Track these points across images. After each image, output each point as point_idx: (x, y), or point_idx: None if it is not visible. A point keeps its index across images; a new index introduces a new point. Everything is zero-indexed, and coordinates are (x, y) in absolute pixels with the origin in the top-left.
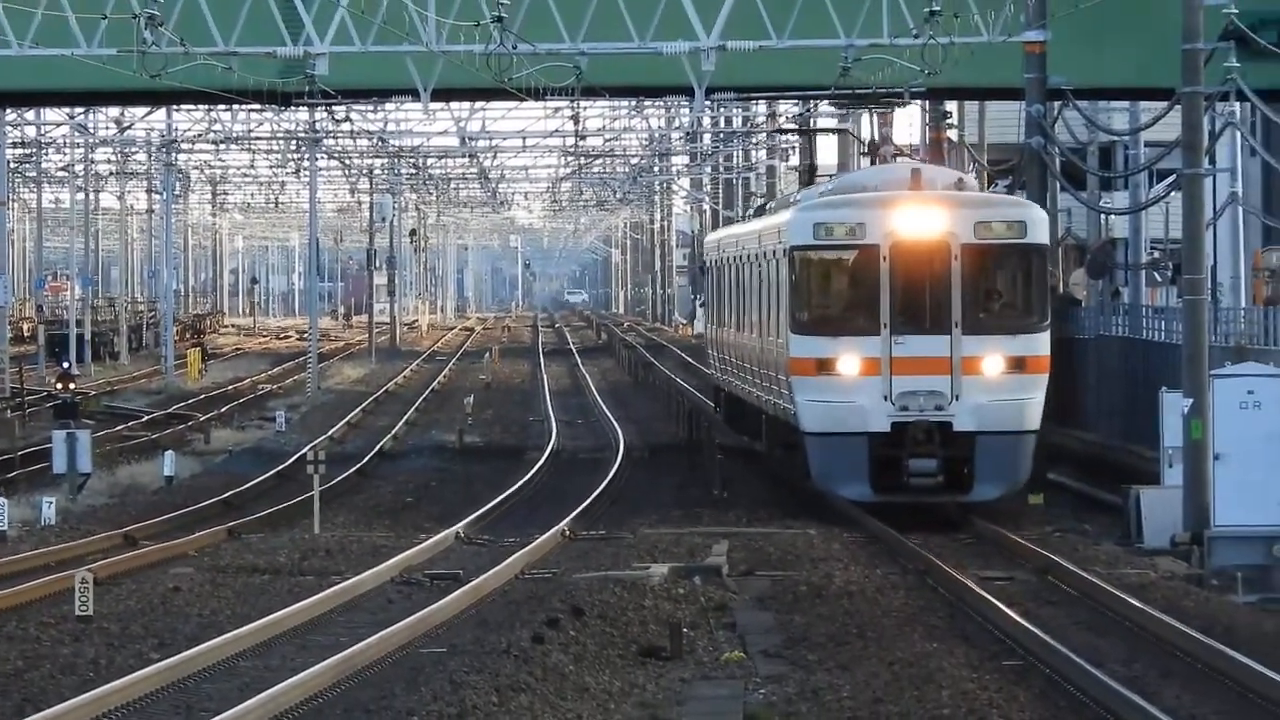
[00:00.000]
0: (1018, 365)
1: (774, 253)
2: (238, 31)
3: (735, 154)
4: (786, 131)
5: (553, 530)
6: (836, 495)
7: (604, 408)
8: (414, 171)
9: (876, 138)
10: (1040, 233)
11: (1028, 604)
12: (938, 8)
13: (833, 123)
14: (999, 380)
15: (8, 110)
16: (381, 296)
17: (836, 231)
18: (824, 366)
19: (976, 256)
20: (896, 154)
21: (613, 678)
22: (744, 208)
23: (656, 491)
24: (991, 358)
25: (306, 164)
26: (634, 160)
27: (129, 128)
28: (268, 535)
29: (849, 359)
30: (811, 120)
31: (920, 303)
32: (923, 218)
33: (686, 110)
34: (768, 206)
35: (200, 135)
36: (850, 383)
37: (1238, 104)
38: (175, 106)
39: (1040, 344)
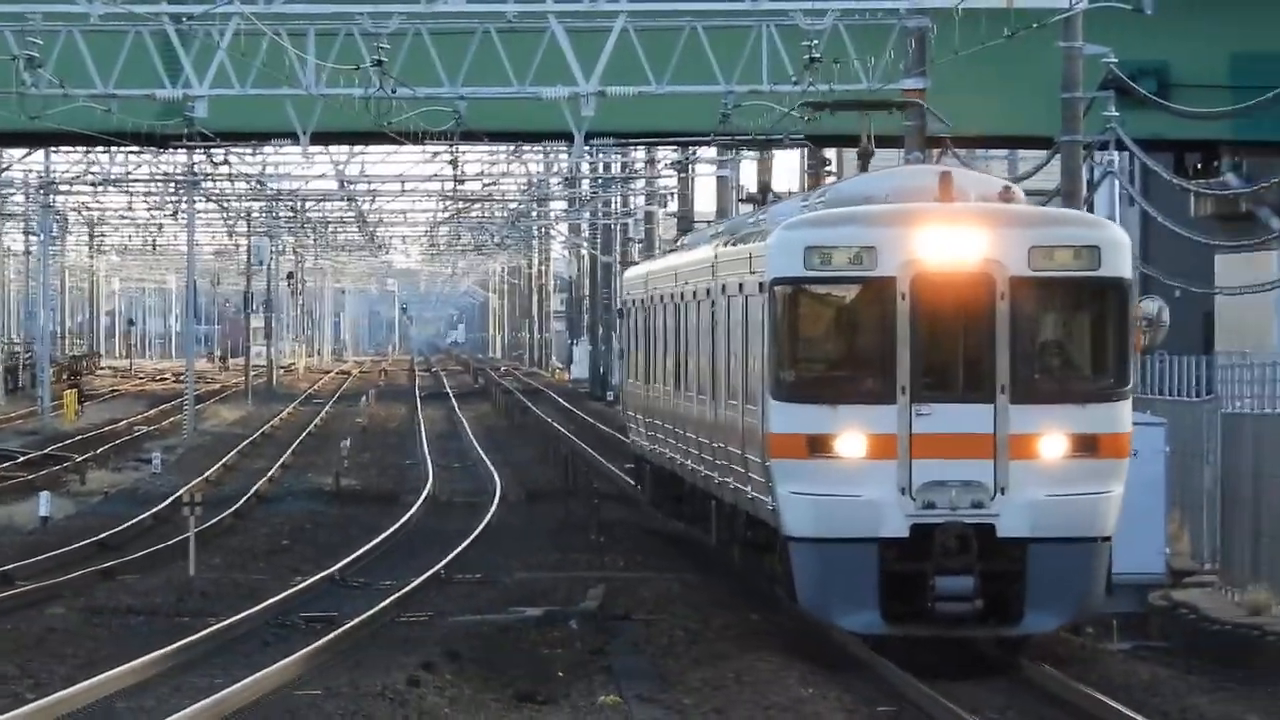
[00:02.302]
0: (1088, 446)
1: (741, 287)
2: (117, 73)
3: (614, 200)
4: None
5: (429, 573)
6: (833, 625)
7: (480, 452)
8: (292, 214)
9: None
10: (1120, 262)
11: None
12: (818, 55)
13: (712, 169)
14: (1062, 467)
15: None
16: (258, 339)
17: (837, 258)
18: (818, 446)
19: (1032, 294)
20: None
21: None
22: (622, 252)
23: (533, 536)
24: (1051, 436)
25: (185, 206)
26: (512, 205)
27: (7, 169)
28: (144, 576)
29: (852, 436)
30: (691, 167)
31: (952, 358)
32: (957, 240)
33: (565, 155)
34: (715, 231)
35: (78, 177)
36: (854, 469)
37: (1117, 153)
38: (53, 148)
39: (1119, 417)
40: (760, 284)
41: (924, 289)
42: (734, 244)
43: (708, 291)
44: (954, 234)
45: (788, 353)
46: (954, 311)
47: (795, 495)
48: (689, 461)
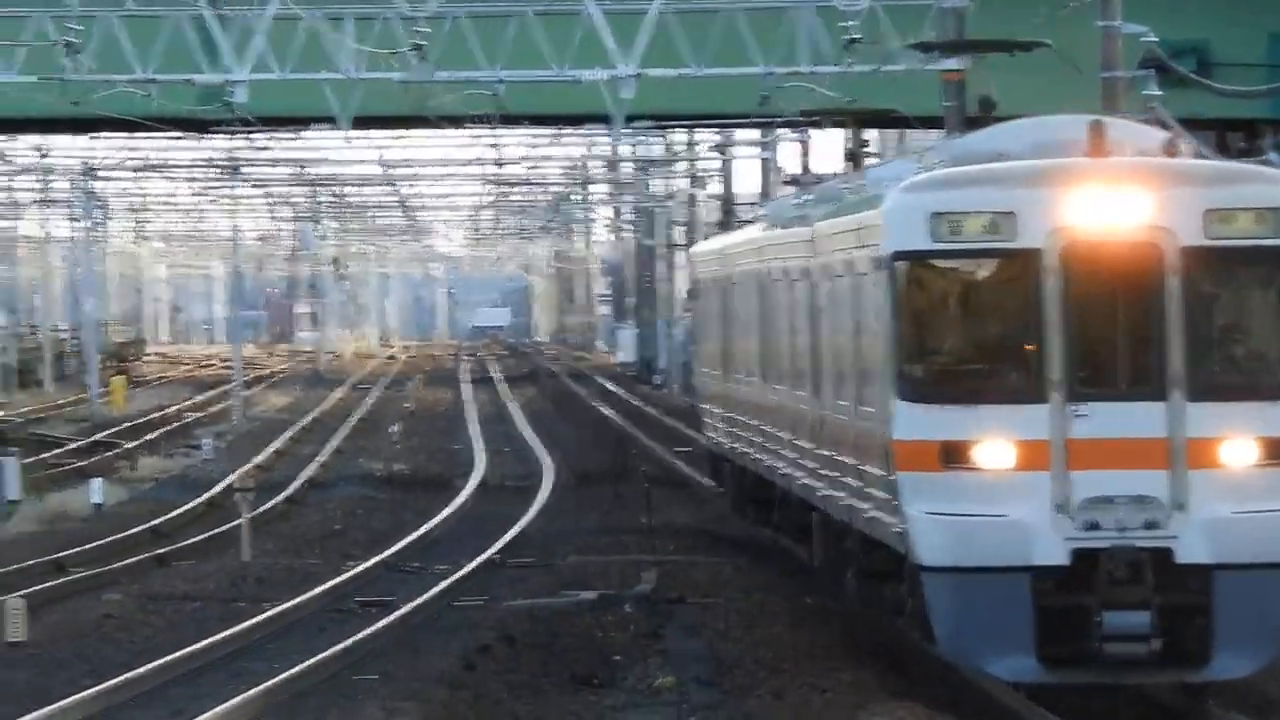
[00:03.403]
0: None
1: (850, 265)
2: (156, 58)
3: (654, 182)
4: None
5: (482, 557)
6: (980, 671)
7: (529, 435)
8: (334, 199)
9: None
10: None
11: None
12: (856, 36)
13: (753, 151)
14: (1251, 477)
15: None
16: (304, 324)
17: (969, 226)
18: (954, 455)
19: (1208, 267)
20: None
21: (546, 705)
22: (665, 235)
23: (584, 519)
24: (1238, 440)
25: (227, 192)
26: (554, 189)
27: (49, 155)
28: (198, 563)
29: (996, 444)
30: (731, 149)
31: (1111, 347)
32: (1115, 203)
33: (606, 139)
34: (803, 200)
35: (120, 163)
36: (999, 483)
37: None
38: (95, 134)
39: None
40: (876, 260)
41: (1076, 263)
42: (837, 214)
43: (805, 271)
44: (1111, 195)
45: (915, 343)
46: (1114, 290)
47: (928, 516)
48: (782, 465)
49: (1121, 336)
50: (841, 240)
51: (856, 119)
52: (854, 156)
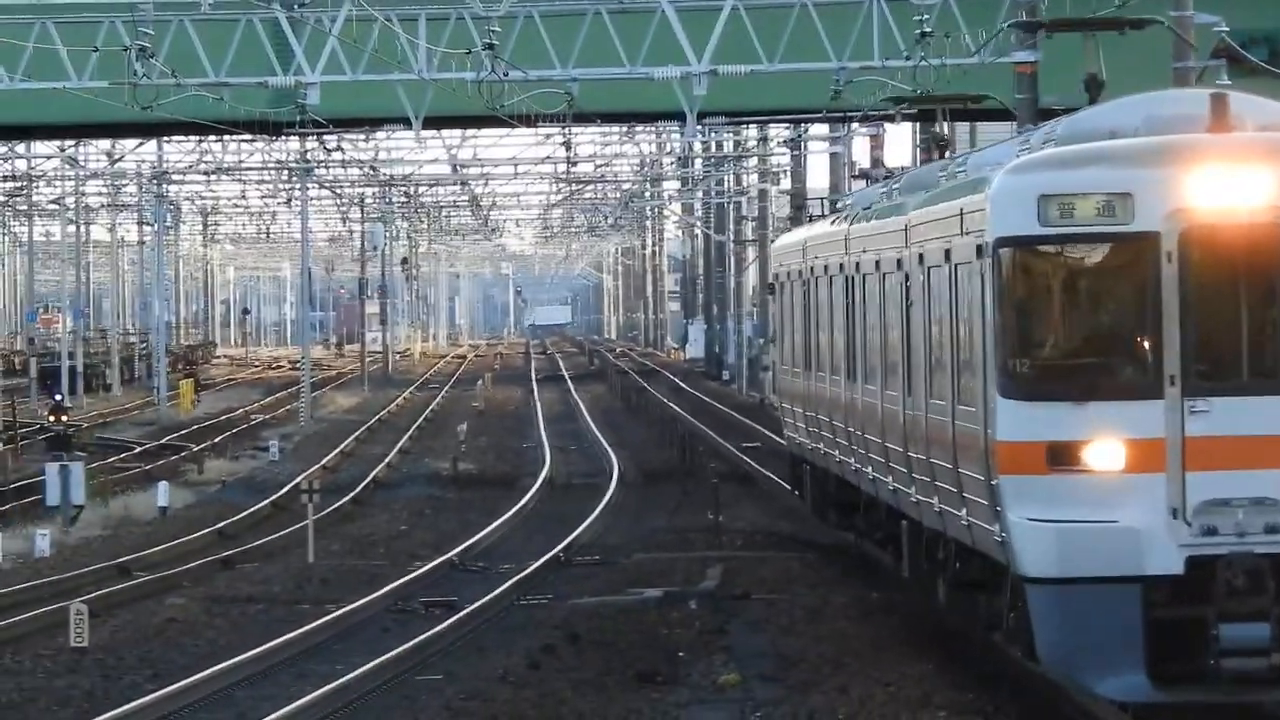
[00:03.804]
0: None
1: (948, 254)
2: (228, 62)
3: (726, 178)
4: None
5: (548, 556)
6: (1087, 687)
7: (597, 433)
8: (405, 199)
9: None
10: None
11: None
12: (929, 29)
13: (824, 146)
14: None
15: None
16: (373, 325)
17: (1081, 209)
18: (1061, 457)
19: None
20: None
21: (610, 703)
22: (737, 230)
23: (651, 516)
24: None
25: (298, 194)
26: (625, 186)
27: (120, 160)
28: (262, 565)
29: (1107, 443)
30: (804, 144)
31: (1234, 338)
32: (1239, 183)
33: (678, 135)
34: (890, 189)
35: (191, 166)
36: (1110, 486)
37: None
38: (166, 138)
39: None
40: (978, 247)
41: (1197, 247)
42: (935, 201)
43: (898, 262)
44: (1235, 175)
45: (1020, 336)
46: (1237, 276)
47: (1032, 523)
48: (869, 469)
49: (1245, 326)
50: (940, 228)
51: (949, 109)
52: (943, 146)
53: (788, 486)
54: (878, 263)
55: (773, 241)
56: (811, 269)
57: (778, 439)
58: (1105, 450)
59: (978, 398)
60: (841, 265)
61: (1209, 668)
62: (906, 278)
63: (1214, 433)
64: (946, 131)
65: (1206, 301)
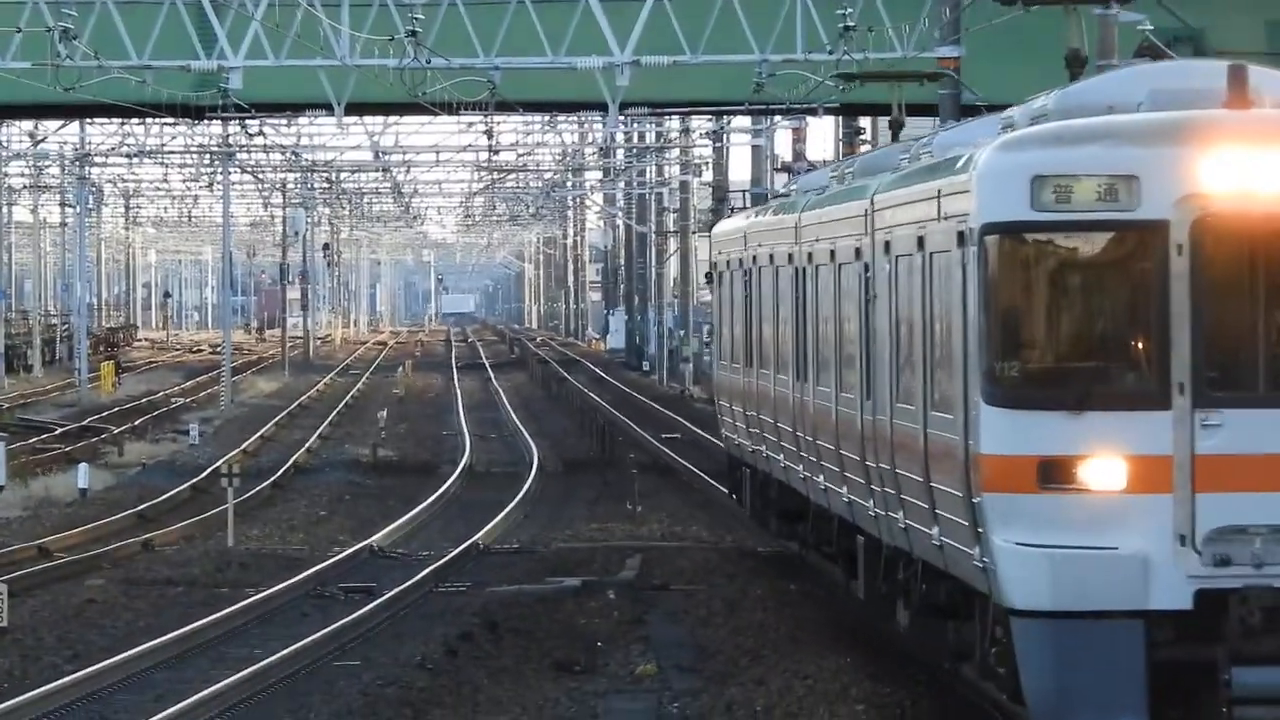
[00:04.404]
0: None
1: (921, 242)
2: (152, 45)
3: (649, 169)
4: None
5: (466, 544)
6: None
7: (518, 422)
8: (327, 185)
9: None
10: None
11: None
12: (852, 24)
13: (746, 139)
14: None
15: None
16: (294, 310)
17: (1080, 192)
18: (1054, 474)
19: None
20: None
21: (527, 691)
22: (659, 221)
23: (570, 506)
24: None
25: (220, 178)
26: (547, 175)
27: (43, 141)
28: (183, 548)
29: (1106, 460)
30: (726, 137)
31: (1251, 341)
32: (1259, 165)
33: (600, 125)
34: (844, 171)
35: (114, 149)
36: (1109, 508)
37: None
38: (89, 120)
39: None
40: (960, 234)
41: (1211, 239)
42: (903, 184)
43: (856, 251)
44: (1256, 157)
45: (1007, 335)
46: (1256, 271)
47: (1021, 548)
48: (819, 478)
49: (1263, 329)
50: (911, 212)
51: (848, 108)
52: (898, 126)
53: (725, 490)
54: (833, 252)
55: (711, 228)
56: (754, 258)
57: (699, 430)
58: (1104, 467)
59: (956, 404)
60: (790, 255)
61: (1219, 716)
62: (867, 268)
63: (1228, 450)
64: (900, 114)
65: (1220, 300)
